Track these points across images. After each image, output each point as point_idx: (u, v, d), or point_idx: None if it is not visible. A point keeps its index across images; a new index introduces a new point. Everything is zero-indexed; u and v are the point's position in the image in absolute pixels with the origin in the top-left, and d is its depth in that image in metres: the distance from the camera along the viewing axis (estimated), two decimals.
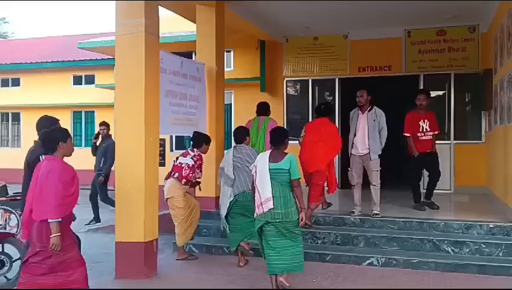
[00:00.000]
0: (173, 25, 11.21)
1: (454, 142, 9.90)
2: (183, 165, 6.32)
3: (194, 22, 7.93)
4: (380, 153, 6.87)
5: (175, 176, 6.33)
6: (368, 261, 6.15)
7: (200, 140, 6.54)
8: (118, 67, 5.67)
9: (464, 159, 9.76)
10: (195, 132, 6.64)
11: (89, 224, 8.96)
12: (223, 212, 6.05)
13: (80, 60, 17.61)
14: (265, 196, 4.70)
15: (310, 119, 10.84)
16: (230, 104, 11.63)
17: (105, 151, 8.94)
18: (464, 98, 10.26)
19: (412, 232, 6.58)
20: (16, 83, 19.35)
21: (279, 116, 11.01)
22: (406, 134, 7.54)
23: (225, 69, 11.36)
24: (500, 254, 5.98)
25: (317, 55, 10.90)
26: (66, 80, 18.33)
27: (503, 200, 7.40)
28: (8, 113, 19.47)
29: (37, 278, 4.07)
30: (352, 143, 6.99)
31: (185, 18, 8.57)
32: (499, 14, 7.93)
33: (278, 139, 4.89)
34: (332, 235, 6.68)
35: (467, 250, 6.12)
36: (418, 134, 7.45)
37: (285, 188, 4.73)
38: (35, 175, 4.14)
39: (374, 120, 6.84)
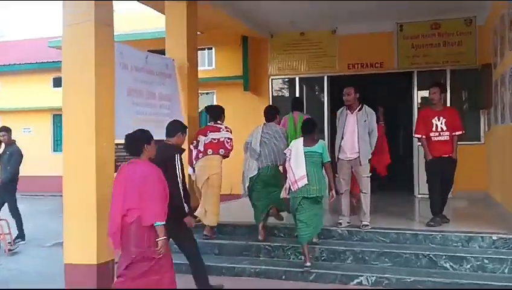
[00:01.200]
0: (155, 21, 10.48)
1: None
2: (222, 140, 6.34)
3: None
4: (370, 157, 6.16)
5: (220, 153, 6.34)
6: (357, 280, 5.41)
7: (219, 112, 6.52)
8: (64, 62, 4.93)
9: (462, 162, 9.02)
10: (208, 105, 6.68)
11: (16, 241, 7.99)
12: (247, 184, 6.34)
13: (60, 61, 16.90)
14: (299, 174, 5.52)
15: None
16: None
17: (9, 159, 7.86)
18: (460, 96, 9.60)
19: (406, 245, 5.87)
20: None
21: (263, 116, 10.31)
22: (416, 135, 6.45)
23: (206, 68, 10.82)
24: (506, 271, 5.27)
25: (304, 52, 10.24)
26: (46, 82, 17.65)
27: (505, 207, 6.73)
28: None
29: (131, 283, 4.08)
30: (340, 146, 6.27)
31: (155, 10, 7.82)
32: (497, 4, 7.25)
33: (310, 128, 5.75)
34: (317, 250, 5.96)
35: (468, 266, 5.41)
36: (431, 134, 6.23)
37: (318, 168, 5.61)
38: (119, 179, 4.16)
39: (365, 120, 6.13)
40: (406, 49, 9.55)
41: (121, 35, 10.70)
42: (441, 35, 9.34)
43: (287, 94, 10.61)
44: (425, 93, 9.76)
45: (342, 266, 5.72)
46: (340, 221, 6.30)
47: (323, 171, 5.67)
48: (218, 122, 6.51)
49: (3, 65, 17.56)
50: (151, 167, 4.16)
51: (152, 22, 10.28)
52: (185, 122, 6.68)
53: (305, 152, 5.55)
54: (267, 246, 6.11)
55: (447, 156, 6.20)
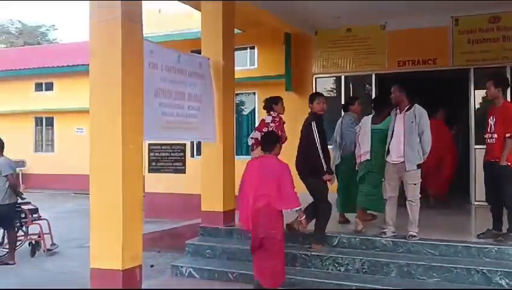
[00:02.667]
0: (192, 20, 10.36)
1: None
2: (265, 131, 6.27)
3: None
4: (420, 162, 5.61)
5: None
6: None
7: (269, 103, 6.54)
8: (92, 61, 4.78)
9: None
10: (268, 98, 6.66)
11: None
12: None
13: (41, 67, 18.74)
14: (364, 149, 5.96)
15: None
16: (254, 108, 10.66)
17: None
18: None
19: (457, 259, 5.33)
20: None
21: (305, 117, 9.94)
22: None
23: (248, 67, 10.56)
24: None
25: (350, 49, 9.74)
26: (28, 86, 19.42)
27: None
28: None
29: (262, 263, 4.86)
30: (388, 149, 5.79)
31: (193, 8, 7.62)
32: None
33: (377, 105, 6.37)
34: (358, 262, 5.53)
35: None
36: (485, 135, 5.62)
37: (382, 145, 5.83)
38: (254, 170, 4.95)
39: (412, 122, 5.59)
40: (461, 44, 8.86)
41: (165, 35, 10.69)
42: (500, 29, 8.59)
43: (332, 93, 10.16)
44: (483, 92, 9.09)
45: (385, 280, 5.27)
46: (385, 230, 5.82)
47: None
48: (271, 113, 6.52)
49: None
50: (282, 163, 5.02)
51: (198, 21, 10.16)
52: (220, 124, 6.52)
53: (371, 129, 6.02)
54: (303, 255, 5.75)
55: (493, 160, 5.46)
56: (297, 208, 4.97)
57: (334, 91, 10.13)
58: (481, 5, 8.29)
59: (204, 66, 6.33)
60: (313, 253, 5.72)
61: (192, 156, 11.16)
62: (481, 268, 5.04)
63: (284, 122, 6.56)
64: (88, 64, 4.84)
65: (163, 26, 11.10)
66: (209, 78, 6.40)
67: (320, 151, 5.57)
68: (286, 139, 6.39)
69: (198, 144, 10.79)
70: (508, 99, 8.40)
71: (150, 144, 11.44)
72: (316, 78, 10.05)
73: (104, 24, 4.68)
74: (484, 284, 4.97)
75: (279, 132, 6.26)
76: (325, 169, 5.61)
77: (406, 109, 5.73)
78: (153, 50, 5.32)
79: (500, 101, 5.53)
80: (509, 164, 5.33)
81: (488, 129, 5.56)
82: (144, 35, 5.03)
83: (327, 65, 9.91)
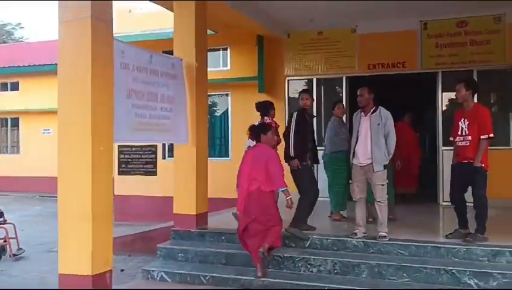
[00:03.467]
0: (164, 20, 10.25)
1: None
2: None
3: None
4: (386, 163, 5.72)
5: None
6: None
7: (266, 107, 6.66)
8: (60, 61, 4.66)
9: (491, 168, 8.49)
10: (258, 102, 6.81)
11: None
12: None
13: (6, 67, 18.20)
14: None
15: (315, 122, 9.81)
16: (227, 109, 10.63)
17: None
18: (488, 98, 9.04)
19: (426, 259, 5.42)
20: None
21: (280, 119, 9.92)
22: (450, 138, 5.90)
23: (221, 68, 10.52)
24: None
25: (322, 52, 9.82)
26: None
27: None
28: None
29: (256, 239, 5.32)
30: (354, 151, 5.87)
31: (165, 8, 7.54)
32: None
33: None
34: (330, 263, 5.56)
35: (494, 283, 4.95)
36: (457, 138, 5.67)
37: None
38: (249, 157, 5.48)
39: (378, 124, 5.70)
40: (430, 48, 9.05)
41: (136, 35, 10.55)
42: (467, 34, 8.81)
43: None
44: (450, 95, 9.31)
45: (357, 281, 5.31)
46: (356, 231, 5.88)
47: None
48: (265, 117, 6.58)
49: None
50: (270, 150, 5.47)
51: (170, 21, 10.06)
52: (193, 124, 6.46)
53: None
54: (276, 257, 5.74)
55: (466, 161, 5.54)
56: (282, 189, 5.31)
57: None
58: (449, 9, 8.49)
59: (177, 66, 6.26)
60: (285, 254, 5.73)
61: (164, 157, 11.04)
62: (450, 268, 5.12)
63: (278, 126, 6.56)
64: (56, 64, 4.72)
65: (134, 26, 10.95)
66: (181, 79, 6.33)
67: (292, 139, 5.99)
68: (280, 142, 6.40)
69: (170, 146, 10.68)
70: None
71: (119, 146, 11.26)
72: (288, 80, 10.09)
73: (73, 23, 4.57)
74: (453, 284, 5.06)
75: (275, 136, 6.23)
76: (292, 155, 5.97)
77: (371, 111, 5.81)
78: (124, 50, 5.22)
79: (470, 104, 5.62)
80: (483, 165, 5.46)
81: (460, 132, 5.62)
82: (115, 35, 4.95)
83: (299, 67, 9.96)
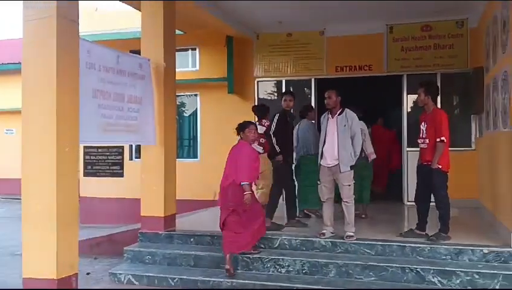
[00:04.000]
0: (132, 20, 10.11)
1: None
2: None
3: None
4: (352, 164, 5.81)
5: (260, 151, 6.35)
6: None
7: (263, 111, 6.74)
8: (24, 61, 4.55)
9: (452, 168, 8.71)
10: (254, 106, 7.05)
11: None
12: None
13: None
14: (370, 150, 6.83)
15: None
16: (196, 109, 10.57)
17: None
18: (451, 101, 9.29)
19: (392, 258, 5.54)
20: None
21: (250, 119, 9.96)
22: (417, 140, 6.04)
23: (190, 69, 10.46)
24: (497, 287, 4.97)
25: (291, 53, 9.88)
26: None
27: (497, 217, 6.42)
28: None
29: (238, 235, 5.51)
30: (322, 153, 5.94)
31: (133, 7, 7.44)
32: (490, 5, 6.96)
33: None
34: (299, 263, 5.61)
35: (458, 281, 5.10)
36: (418, 140, 5.89)
37: None
38: (229, 155, 5.70)
39: (345, 125, 5.80)
40: (395, 51, 9.24)
41: (103, 34, 10.37)
42: (432, 38, 9.03)
43: (273, 96, 10.27)
44: (415, 97, 9.52)
45: (324, 280, 5.39)
46: (324, 231, 5.96)
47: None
48: (263, 121, 6.65)
49: None
50: (245, 146, 5.65)
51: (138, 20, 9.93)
52: (161, 125, 6.41)
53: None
54: (245, 258, 5.75)
55: (425, 163, 5.74)
56: (243, 183, 5.42)
57: (275, 94, 10.23)
58: (414, 14, 8.68)
59: (145, 67, 6.19)
60: (254, 255, 5.74)
61: (131, 159, 10.88)
62: (415, 267, 5.25)
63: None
64: (20, 63, 4.60)
65: (101, 25, 10.76)
66: (149, 80, 6.26)
67: (272, 137, 6.40)
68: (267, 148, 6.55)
69: (138, 147, 10.54)
70: (439, 106, 8.93)
71: (85, 147, 11.03)
72: (257, 81, 10.11)
73: (39, 22, 4.48)
74: (418, 282, 5.18)
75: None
76: (278, 151, 6.39)
77: (338, 113, 5.90)
78: (90, 49, 5.13)
79: (430, 107, 5.81)
80: (440, 166, 5.60)
81: (421, 135, 5.82)
82: (81, 34, 4.86)
83: (268, 69, 10.00)
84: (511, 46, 5.35)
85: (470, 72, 8.51)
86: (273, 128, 6.46)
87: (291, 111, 6.94)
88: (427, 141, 5.71)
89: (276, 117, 6.52)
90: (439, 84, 8.99)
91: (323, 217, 6.02)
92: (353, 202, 5.88)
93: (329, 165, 5.85)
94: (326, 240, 5.87)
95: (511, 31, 5.38)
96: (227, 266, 5.50)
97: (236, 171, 5.48)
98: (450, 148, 8.84)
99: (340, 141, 5.77)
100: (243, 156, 5.54)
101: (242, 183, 5.41)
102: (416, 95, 9.38)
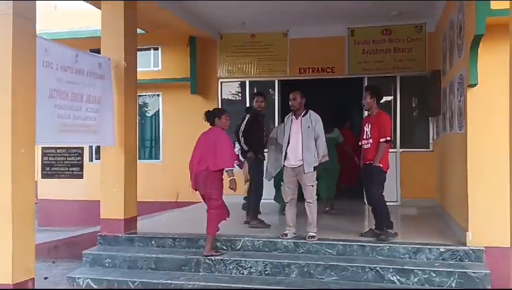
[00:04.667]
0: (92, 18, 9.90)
1: (401, 150, 9.12)
2: None
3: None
4: (316, 165, 5.88)
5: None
6: None
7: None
8: None
9: (411, 169, 9.00)
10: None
11: None
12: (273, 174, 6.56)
13: None
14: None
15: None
16: (158, 110, 10.44)
17: None
18: (410, 103, 9.55)
19: (353, 258, 5.62)
20: None
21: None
22: (359, 143, 6.27)
23: (152, 68, 10.33)
24: (453, 285, 5.11)
25: (254, 55, 9.90)
26: None
27: (452, 216, 6.62)
28: None
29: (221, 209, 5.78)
30: (285, 154, 5.98)
31: (93, 6, 7.28)
32: (447, 10, 7.18)
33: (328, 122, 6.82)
34: (261, 264, 5.62)
35: (415, 280, 5.22)
36: (362, 142, 6.12)
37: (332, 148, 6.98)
38: (201, 140, 5.86)
39: (309, 127, 5.86)
40: (356, 54, 9.41)
41: (62, 32, 10.12)
42: (391, 41, 9.24)
43: (237, 97, 10.27)
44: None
45: (286, 281, 5.41)
46: (286, 232, 5.99)
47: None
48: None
49: None
50: (223, 132, 5.76)
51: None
52: (121, 126, 6.30)
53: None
54: (207, 260, 5.72)
55: (368, 162, 5.95)
56: (227, 169, 5.59)
57: (239, 94, 10.23)
58: (375, 18, 8.86)
59: (105, 66, 6.07)
60: (216, 257, 5.72)
61: (91, 160, 10.65)
62: (375, 266, 5.34)
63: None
64: None
65: (61, 23, 10.51)
66: (109, 79, 6.14)
67: (241, 137, 6.66)
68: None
69: (98, 148, 10.31)
70: (398, 108, 9.15)
71: (43, 148, 10.74)
72: (221, 82, 10.09)
73: None
74: (378, 281, 5.27)
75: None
76: (246, 149, 6.67)
77: (302, 114, 5.95)
78: (48, 48, 4.99)
79: (374, 110, 6.04)
80: (382, 165, 5.82)
81: (364, 136, 6.04)
82: (40, 33, 4.72)
83: (232, 70, 9.99)
84: (466, 50, 5.52)
85: (428, 75, 8.74)
86: (243, 127, 6.64)
87: (262, 111, 7.03)
88: (371, 141, 5.93)
89: (248, 117, 6.72)
90: (398, 87, 9.26)
91: (286, 218, 6.06)
92: (316, 202, 5.94)
93: (293, 166, 5.89)
94: (289, 240, 5.91)
95: (466, 36, 5.56)
96: (212, 251, 5.74)
97: (215, 157, 5.58)
98: (409, 149, 9.15)
99: (304, 142, 5.82)
100: (224, 142, 5.65)
101: (227, 169, 5.58)
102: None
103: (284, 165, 6.03)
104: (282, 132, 6.11)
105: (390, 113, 9.33)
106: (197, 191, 5.82)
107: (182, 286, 5.39)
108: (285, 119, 6.21)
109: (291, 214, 6.03)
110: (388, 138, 5.82)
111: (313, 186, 5.88)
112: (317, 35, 9.43)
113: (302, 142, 5.84)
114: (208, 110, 6.32)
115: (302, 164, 5.82)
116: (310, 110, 5.99)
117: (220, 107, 9.93)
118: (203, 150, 5.72)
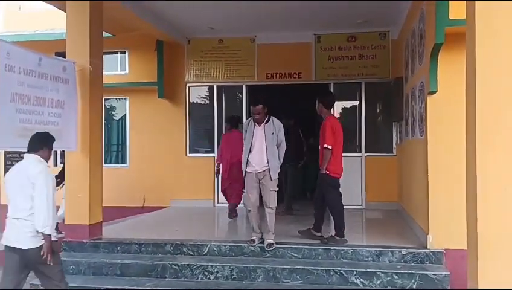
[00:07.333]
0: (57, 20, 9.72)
1: (365, 154, 9.31)
2: None
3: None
4: (279, 170, 5.94)
5: None
6: None
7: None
8: None
9: (375, 173, 9.20)
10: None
11: None
12: None
13: None
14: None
15: (215, 129, 9.93)
16: (125, 114, 10.34)
17: None
18: (375, 109, 9.74)
19: (318, 261, 5.71)
20: None
21: (180, 125, 9.93)
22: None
23: (119, 72, 10.22)
24: (414, 286, 5.26)
25: (222, 59, 9.94)
26: None
27: (414, 219, 6.80)
28: None
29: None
30: (247, 161, 5.94)
31: (57, 8, 7.16)
32: (409, 18, 7.39)
33: None
34: (227, 269, 5.64)
35: (378, 282, 5.34)
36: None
37: None
38: (231, 139, 7.79)
39: (272, 133, 5.88)
40: (323, 60, 9.55)
41: (26, 35, 9.90)
42: (356, 48, 9.42)
43: (206, 100, 10.26)
44: (341, 104, 9.90)
45: (253, 285, 5.45)
46: (253, 238, 5.97)
47: None
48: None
49: None
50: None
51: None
52: (86, 130, 6.22)
53: None
54: (173, 265, 5.70)
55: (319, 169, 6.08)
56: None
57: (208, 99, 10.23)
58: (341, 24, 9.02)
59: (69, 70, 5.99)
60: (183, 262, 5.71)
61: (56, 165, 10.43)
62: (339, 269, 5.44)
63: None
64: None
65: (24, 25, 10.29)
66: (73, 83, 6.05)
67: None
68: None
69: (63, 152, 10.13)
70: (363, 113, 9.32)
71: (6, 152, 10.46)
72: (189, 86, 10.07)
73: None
74: (342, 284, 5.37)
75: None
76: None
77: (265, 121, 5.93)
78: (10, 52, 4.91)
79: (324, 116, 6.20)
80: (328, 172, 5.97)
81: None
82: (1, 35, 4.63)
83: (200, 74, 9.99)
84: (426, 59, 5.70)
85: (391, 81, 8.95)
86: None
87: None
88: (319, 147, 6.11)
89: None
90: (363, 93, 9.45)
91: (252, 225, 6.04)
92: (275, 209, 5.96)
93: (257, 171, 5.89)
94: (256, 245, 5.94)
95: (426, 44, 5.74)
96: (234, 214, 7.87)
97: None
98: (374, 154, 9.29)
99: (269, 148, 5.84)
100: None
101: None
102: (344, 102, 9.92)
103: (246, 172, 5.97)
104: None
105: (356, 118, 9.54)
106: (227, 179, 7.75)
107: None
108: (245, 125, 6.14)
109: (256, 220, 6.01)
110: (325, 145, 5.93)
111: (275, 191, 5.90)
112: (285, 41, 9.53)
113: (267, 149, 5.84)
114: (233, 116, 8.47)
115: (268, 169, 5.85)
116: (271, 117, 5.97)
117: (188, 111, 10.01)
118: (233, 147, 7.45)
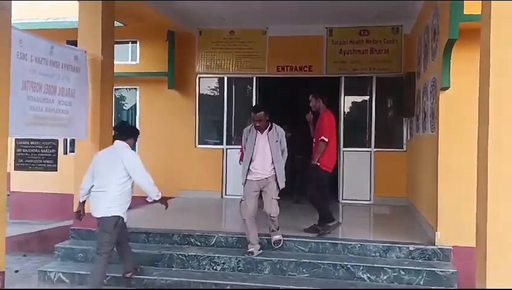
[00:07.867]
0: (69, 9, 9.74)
1: (375, 149, 9.27)
2: None
3: None
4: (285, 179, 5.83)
5: None
6: None
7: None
8: None
9: (385, 168, 9.15)
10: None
11: None
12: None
13: None
14: None
15: (225, 121, 9.92)
16: (135, 104, 10.37)
17: None
18: (385, 103, 9.67)
19: (325, 255, 5.72)
20: None
21: (190, 116, 9.94)
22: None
23: (130, 62, 10.24)
24: (421, 283, 5.26)
25: (233, 51, 9.90)
26: None
27: (422, 215, 6.77)
28: None
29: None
30: (248, 168, 5.76)
31: None
32: (423, 13, 7.32)
33: None
34: (234, 260, 5.66)
35: (385, 277, 5.35)
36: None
37: None
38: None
39: (277, 141, 5.74)
40: (334, 54, 9.49)
41: (39, 23, 9.95)
42: (369, 42, 9.35)
43: (216, 92, 10.26)
44: (351, 99, 9.84)
45: (259, 278, 5.47)
46: (251, 250, 5.68)
47: None
48: None
49: None
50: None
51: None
52: (96, 119, 6.25)
53: None
54: (180, 256, 5.73)
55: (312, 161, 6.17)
56: None
57: (218, 90, 10.23)
58: (353, 18, 8.95)
59: (81, 59, 6.01)
60: (190, 253, 5.74)
61: (66, 153, 10.50)
62: (346, 263, 5.45)
63: None
64: None
65: (37, 14, 10.32)
66: (84, 72, 6.08)
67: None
68: None
69: (72, 140, 10.21)
70: (373, 108, 9.26)
71: (17, 140, 10.55)
72: (199, 77, 10.06)
73: None
74: (348, 278, 5.38)
75: None
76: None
77: (268, 128, 5.77)
78: (23, 39, 4.93)
79: (321, 111, 6.27)
80: (319, 164, 6.03)
81: (314, 136, 6.31)
82: (15, 22, 4.63)
83: (210, 65, 9.97)
84: (440, 54, 5.64)
85: (403, 76, 8.89)
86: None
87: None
88: (314, 140, 6.25)
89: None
90: (374, 87, 9.39)
91: (250, 237, 5.75)
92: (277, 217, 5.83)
93: (259, 179, 5.69)
94: (262, 237, 5.93)
95: (440, 40, 5.68)
96: None
97: None
98: (384, 149, 9.24)
99: (275, 156, 5.70)
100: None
101: None
102: (355, 97, 9.86)
103: (246, 180, 5.75)
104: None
105: (366, 112, 9.49)
106: None
107: (154, 282, 5.40)
108: (246, 132, 5.92)
109: (253, 231, 5.74)
110: (322, 137, 6.03)
111: (277, 200, 5.76)
112: (296, 34, 9.47)
113: (272, 156, 5.70)
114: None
115: (273, 177, 5.70)
116: (274, 124, 5.83)
117: (198, 102, 10.01)
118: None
